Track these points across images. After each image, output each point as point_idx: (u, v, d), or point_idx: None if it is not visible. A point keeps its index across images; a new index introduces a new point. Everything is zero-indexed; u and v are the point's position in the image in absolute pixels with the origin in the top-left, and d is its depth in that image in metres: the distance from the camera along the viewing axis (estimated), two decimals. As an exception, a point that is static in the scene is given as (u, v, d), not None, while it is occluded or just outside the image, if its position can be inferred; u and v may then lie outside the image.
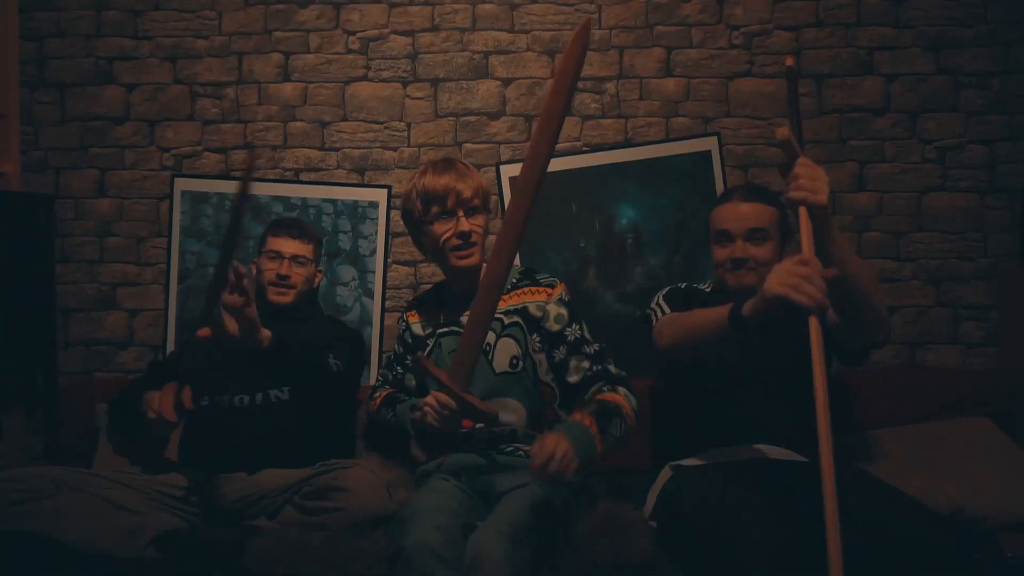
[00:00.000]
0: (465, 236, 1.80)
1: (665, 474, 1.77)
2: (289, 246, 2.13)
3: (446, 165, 1.85)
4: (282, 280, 2.11)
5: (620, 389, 1.78)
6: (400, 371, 2.04)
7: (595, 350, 1.83)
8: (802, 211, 1.42)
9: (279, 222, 2.24)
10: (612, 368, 1.82)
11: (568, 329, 1.83)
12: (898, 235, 2.59)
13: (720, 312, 1.58)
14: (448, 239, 1.81)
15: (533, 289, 1.88)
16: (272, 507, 1.78)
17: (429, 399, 1.67)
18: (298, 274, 2.13)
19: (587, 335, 1.86)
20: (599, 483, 1.92)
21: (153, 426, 1.76)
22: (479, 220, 1.83)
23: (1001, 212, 2.57)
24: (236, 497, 1.83)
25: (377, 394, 2.05)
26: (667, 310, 1.86)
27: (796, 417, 1.72)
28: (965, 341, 2.57)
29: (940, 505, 1.84)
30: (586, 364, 1.81)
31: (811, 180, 1.43)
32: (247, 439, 1.94)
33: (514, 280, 1.89)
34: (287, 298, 2.10)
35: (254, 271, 2.21)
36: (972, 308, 2.57)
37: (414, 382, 1.99)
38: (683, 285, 1.98)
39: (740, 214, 1.87)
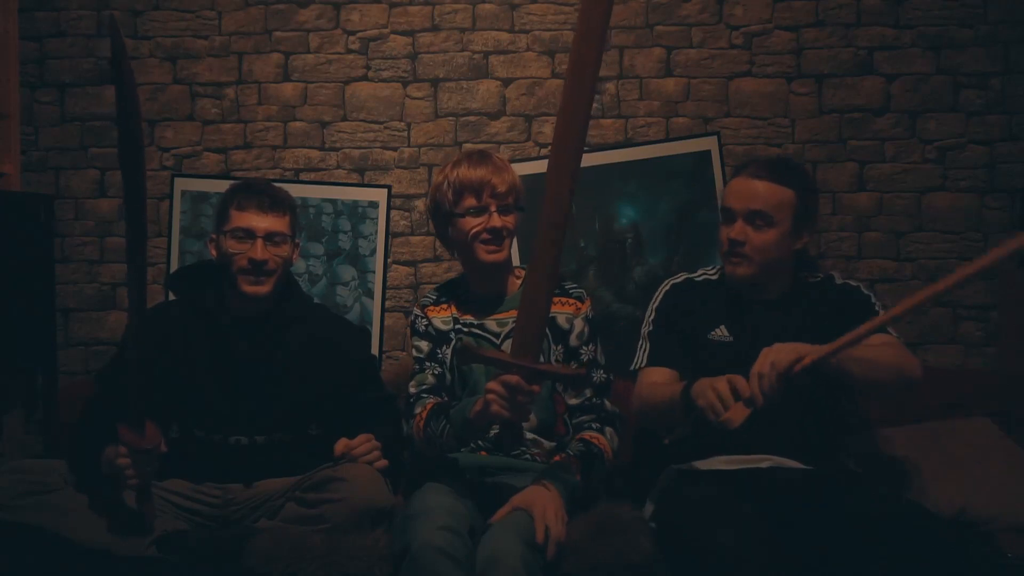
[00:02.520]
0: (496, 232, 1.74)
1: (666, 476, 1.76)
2: (261, 221, 1.75)
3: (482, 157, 1.78)
4: (257, 266, 1.74)
5: (607, 430, 1.75)
6: (439, 370, 1.78)
7: (601, 379, 1.79)
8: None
9: (243, 188, 1.81)
10: (608, 404, 1.79)
11: (584, 348, 1.79)
12: (898, 235, 2.59)
13: (675, 391, 1.60)
14: (478, 233, 1.74)
15: (563, 300, 1.82)
16: (272, 509, 1.76)
17: (491, 385, 1.47)
18: (276, 257, 1.76)
19: (600, 358, 1.81)
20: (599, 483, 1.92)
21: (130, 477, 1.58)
22: (510, 219, 1.77)
23: (1001, 212, 2.57)
24: (234, 508, 1.76)
25: (418, 411, 1.71)
26: (647, 352, 1.79)
27: (800, 426, 1.71)
28: (965, 341, 2.57)
29: (940, 505, 1.84)
30: (588, 392, 1.77)
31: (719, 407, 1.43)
32: (244, 471, 1.77)
33: None
34: (265, 288, 1.75)
35: (213, 252, 1.82)
36: (972, 308, 2.57)
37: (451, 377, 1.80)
38: (682, 280, 1.87)
39: (746, 190, 1.68)
